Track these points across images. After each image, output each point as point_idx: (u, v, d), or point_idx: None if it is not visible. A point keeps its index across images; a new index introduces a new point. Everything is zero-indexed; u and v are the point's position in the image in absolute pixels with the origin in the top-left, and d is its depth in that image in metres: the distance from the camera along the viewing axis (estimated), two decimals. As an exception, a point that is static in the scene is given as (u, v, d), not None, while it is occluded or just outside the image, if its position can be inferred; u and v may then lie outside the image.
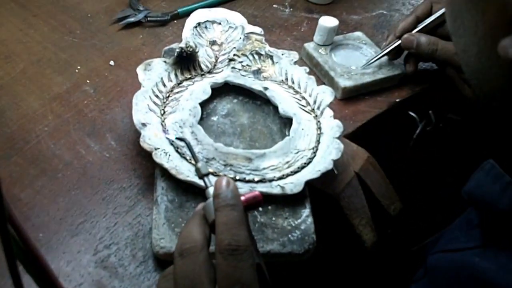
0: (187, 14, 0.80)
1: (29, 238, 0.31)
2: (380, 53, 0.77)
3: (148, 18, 0.81)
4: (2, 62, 0.72)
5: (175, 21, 0.83)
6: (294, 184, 0.56)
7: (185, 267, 0.38)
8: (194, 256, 0.38)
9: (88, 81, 0.71)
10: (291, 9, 0.90)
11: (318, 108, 0.66)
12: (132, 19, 0.80)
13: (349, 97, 0.74)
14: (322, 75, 0.76)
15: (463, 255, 0.49)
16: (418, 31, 0.75)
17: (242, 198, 0.41)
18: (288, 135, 0.63)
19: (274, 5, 0.90)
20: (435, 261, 0.53)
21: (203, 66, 0.68)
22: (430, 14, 0.76)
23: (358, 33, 0.83)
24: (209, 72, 0.68)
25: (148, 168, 0.61)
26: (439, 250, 0.55)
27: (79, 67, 0.73)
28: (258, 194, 0.42)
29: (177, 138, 0.53)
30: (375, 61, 0.76)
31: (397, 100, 0.76)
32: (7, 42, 0.75)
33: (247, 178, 0.57)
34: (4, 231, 0.28)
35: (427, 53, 0.73)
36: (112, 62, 0.74)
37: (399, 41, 0.75)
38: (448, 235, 0.57)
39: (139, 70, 0.64)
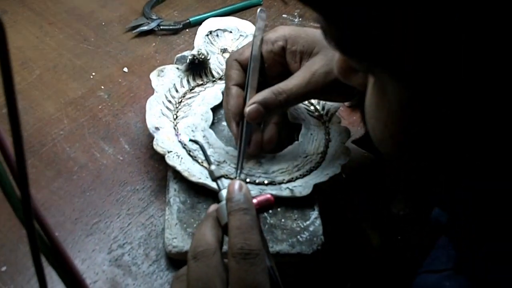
0: (198, 23, 0.82)
1: (53, 233, 0.32)
2: (240, 156, 0.59)
3: (161, 27, 0.83)
4: (19, 68, 0.74)
5: (187, 30, 0.85)
6: (303, 187, 0.58)
7: (199, 270, 0.39)
8: (208, 259, 0.39)
9: (102, 87, 0.73)
10: (301, 19, 0.92)
11: (327, 114, 0.67)
12: (145, 28, 0.82)
13: (357, 104, 0.76)
14: (330, 83, 0.78)
15: (438, 278, 0.49)
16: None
17: (255, 201, 0.42)
18: (297, 140, 0.64)
19: (283, 15, 0.92)
20: (420, 282, 0.53)
21: (214, 73, 0.70)
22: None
23: (365, 42, 0.84)
24: (220, 78, 0.70)
25: (160, 171, 0.62)
26: (425, 270, 0.54)
27: (93, 74, 0.75)
28: (270, 197, 0.43)
29: (191, 140, 0.55)
30: (241, 168, 0.58)
31: (404, 107, 0.77)
32: (24, 49, 0.77)
33: (257, 180, 0.58)
34: (30, 226, 0.30)
35: (279, 105, 0.57)
36: (125, 69, 0.76)
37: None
38: (434, 254, 0.56)
39: (153, 76, 0.66)
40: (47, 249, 0.33)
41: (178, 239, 0.53)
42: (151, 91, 0.65)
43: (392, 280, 0.65)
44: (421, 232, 0.79)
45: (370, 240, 0.64)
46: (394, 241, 0.69)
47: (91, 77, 0.74)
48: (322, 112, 0.67)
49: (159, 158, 0.62)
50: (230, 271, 0.38)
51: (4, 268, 0.51)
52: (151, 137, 0.60)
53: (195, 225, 0.55)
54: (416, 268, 0.62)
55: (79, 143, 0.65)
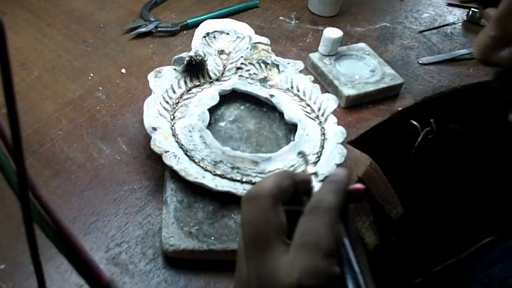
0: (196, 25, 0.83)
1: (59, 219, 0.33)
2: None
3: (159, 29, 0.84)
4: (18, 69, 0.75)
5: (185, 32, 0.86)
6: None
7: (249, 213, 0.38)
8: (258, 202, 0.38)
9: (100, 88, 0.73)
10: (297, 21, 0.93)
11: (323, 115, 0.68)
12: (143, 29, 0.83)
13: (352, 105, 0.77)
14: (326, 84, 0.79)
15: None
16: None
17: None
18: (293, 140, 0.65)
19: (280, 17, 0.93)
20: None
21: (211, 74, 0.70)
22: None
23: (361, 44, 0.85)
24: (217, 80, 0.70)
25: (157, 171, 0.63)
26: None
27: (92, 75, 0.75)
28: (362, 188, 0.41)
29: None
30: None
31: (399, 108, 0.78)
32: (23, 50, 0.78)
33: (253, 180, 0.59)
34: (28, 217, 0.30)
35: None
36: (123, 70, 0.77)
37: None
38: None
39: (150, 77, 0.67)
40: (53, 234, 0.33)
41: (175, 238, 0.54)
42: (148, 92, 0.66)
43: (388, 280, 0.65)
44: (418, 231, 0.80)
45: (364, 240, 0.65)
46: (389, 241, 0.70)
47: (89, 78, 0.75)
48: (318, 113, 0.68)
49: (156, 158, 0.62)
50: (298, 224, 0.37)
51: (2, 266, 0.52)
52: (148, 137, 0.61)
53: (191, 224, 0.55)
54: (413, 268, 0.63)
55: (77, 143, 0.65)
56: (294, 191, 0.41)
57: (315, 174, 0.44)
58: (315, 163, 0.62)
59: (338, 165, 0.61)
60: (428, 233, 0.84)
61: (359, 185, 0.41)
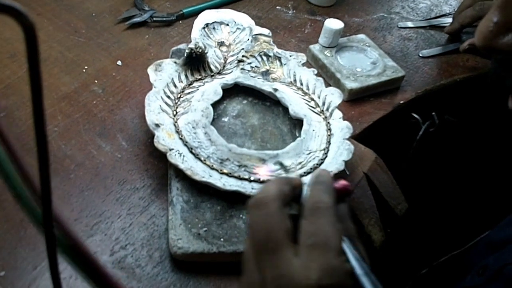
0: (191, 14, 0.80)
1: (72, 233, 0.31)
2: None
3: (154, 18, 0.81)
4: (8, 61, 0.71)
5: (180, 22, 0.83)
6: (307, 185, 0.57)
7: (258, 217, 0.38)
8: (266, 207, 0.38)
9: (96, 81, 0.70)
10: (294, 11, 0.91)
11: (327, 109, 0.66)
12: (137, 19, 0.80)
13: (355, 99, 0.75)
14: (328, 77, 0.77)
15: None
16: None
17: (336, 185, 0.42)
18: (298, 136, 0.63)
19: (277, 7, 0.91)
20: None
21: (212, 67, 0.68)
22: None
23: (361, 36, 0.84)
24: (219, 73, 0.68)
25: (160, 169, 0.61)
26: None
27: (86, 67, 0.72)
28: (348, 184, 0.43)
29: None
30: None
31: (401, 102, 0.77)
32: (12, 41, 0.74)
33: (262, 179, 0.57)
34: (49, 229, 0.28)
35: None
36: (119, 62, 0.74)
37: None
38: None
39: (150, 70, 0.64)
40: (66, 248, 0.32)
41: (183, 240, 0.52)
42: (146, 85, 0.63)
43: (395, 276, 0.65)
44: (421, 224, 0.79)
45: (371, 237, 0.64)
46: (393, 236, 0.69)
47: (84, 70, 0.72)
48: (322, 108, 0.67)
49: (159, 155, 0.60)
50: (301, 227, 0.38)
51: (3, 273, 0.49)
52: (149, 133, 0.59)
53: (200, 225, 0.53)
54: (418, 260, 0.62)
55: (74, 140, 0.63)
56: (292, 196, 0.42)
57: None
58: (323, 162, 0.61)
59: (346, 162, 0.60)
60: (432, 224, 0.84)
61: (343, 182, 0.42)
